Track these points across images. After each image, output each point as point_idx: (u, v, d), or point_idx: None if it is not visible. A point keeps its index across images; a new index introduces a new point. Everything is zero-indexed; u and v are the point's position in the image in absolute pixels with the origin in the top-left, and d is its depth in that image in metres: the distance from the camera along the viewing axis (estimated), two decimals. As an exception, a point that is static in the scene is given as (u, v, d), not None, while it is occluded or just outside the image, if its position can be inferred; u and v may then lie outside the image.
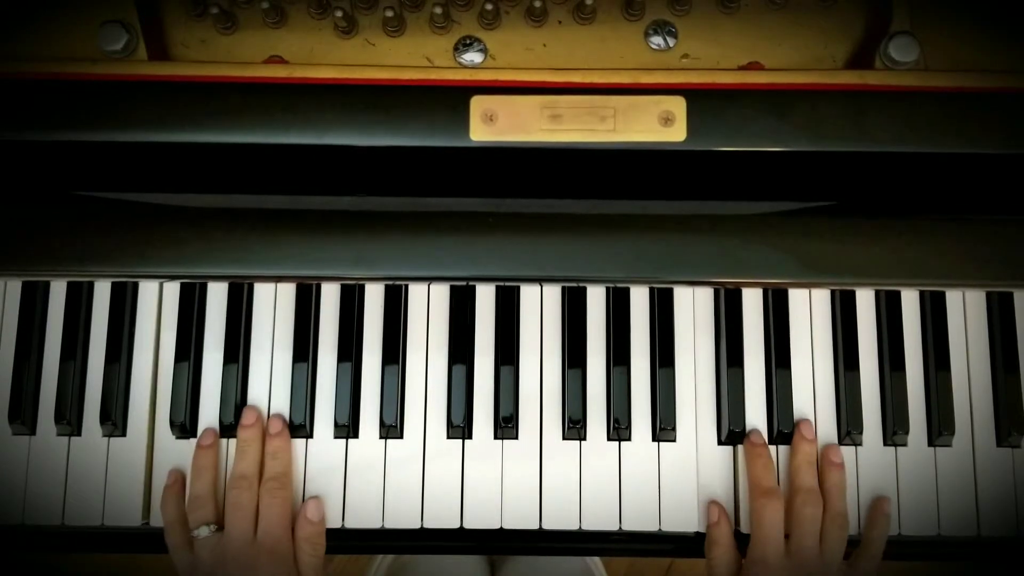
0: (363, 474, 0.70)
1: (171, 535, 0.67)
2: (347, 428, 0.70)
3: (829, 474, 0.68)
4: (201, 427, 0.71)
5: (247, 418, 0.69)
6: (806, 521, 0.65)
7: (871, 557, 0.66)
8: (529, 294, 0.72)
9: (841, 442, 0.70)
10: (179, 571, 0.66)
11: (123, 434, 0.70)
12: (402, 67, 0.66)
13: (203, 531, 0.65)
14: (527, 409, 0.71)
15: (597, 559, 1.10)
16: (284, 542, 0.65)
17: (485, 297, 0.72)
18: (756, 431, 0.70)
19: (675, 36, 0.69)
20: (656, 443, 0.70)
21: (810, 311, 0.72)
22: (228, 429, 0.70)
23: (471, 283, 0.72)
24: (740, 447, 0.70)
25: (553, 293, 0.72)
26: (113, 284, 0.72)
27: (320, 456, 0.70)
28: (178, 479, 0.68)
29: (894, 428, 0.70)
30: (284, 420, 0.70)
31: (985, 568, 0.74)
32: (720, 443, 0.70)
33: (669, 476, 0.70)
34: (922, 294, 0.72)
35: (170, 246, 0.66)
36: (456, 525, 0.69)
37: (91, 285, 0.72)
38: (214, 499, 0.67)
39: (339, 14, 0.67)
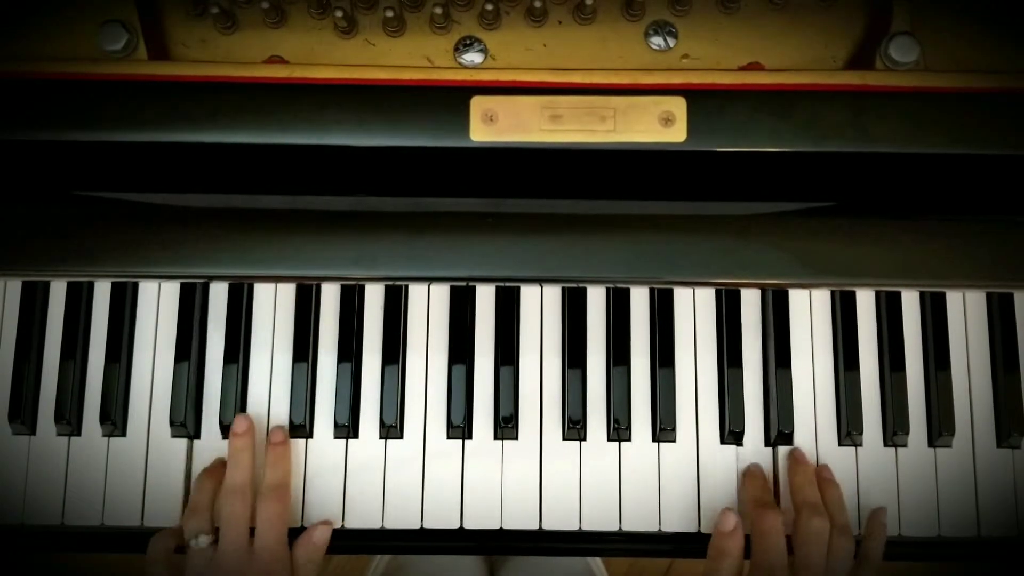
0: (363, 474, 0.70)
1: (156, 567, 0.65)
2: (347, 428, 0.70)
3: (828, 490, 0.67)
4: (202, 427, 0.70)
5: (239, 426, 0.67)
6: (813, 534, 0.64)
7: (870, 567, 0.66)
8: (529, 294, 0.72)
9: (841, 443, 0.70)
10: None
11: (123, 434, 0.70)
12: (402, 67, 0.66)
13: (202, 540, 0.64)
14: (527, 409, 0.71)
15: (597, 559, 1.10)
16: (281, 557, 0.64)
17: (485, 297, 0.72)
18: (755, 464, 0.70)
19: (675, 36, 0.69)
20: (656, 443, 0.70)
21: (810, 311, 0.72)
22: (228, 429, 0.70)
23: (471, 283, 0.72)
24: (740, 449, 0.70)
25: (553, 293, 0.72)
26: (113, 284, 0.72)
27: (320, 456, 0.70)
28: (176, 531, 0.67)
29: (894, 429, 0.70)
30: (285, 431, 0.69)
31: (985, 568, 0.74)
32: (721, 443, 0.70)
33: (669, 476, 0.70)
34: (922, 294, 0.72)
35: (170, 246, 0.66)
36: (456, 525, 0.69)
37: (91, 285, 0.72)
38: (211, 511, 0.66)
39: (339, 14, 0.67)
